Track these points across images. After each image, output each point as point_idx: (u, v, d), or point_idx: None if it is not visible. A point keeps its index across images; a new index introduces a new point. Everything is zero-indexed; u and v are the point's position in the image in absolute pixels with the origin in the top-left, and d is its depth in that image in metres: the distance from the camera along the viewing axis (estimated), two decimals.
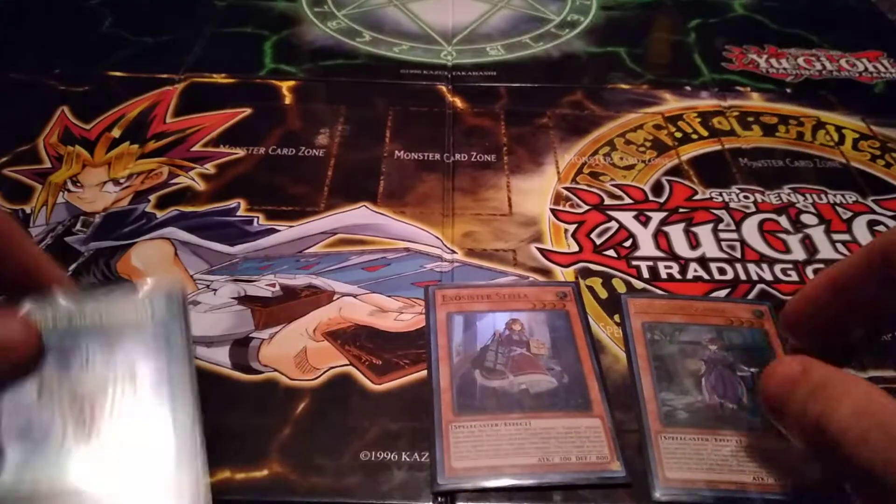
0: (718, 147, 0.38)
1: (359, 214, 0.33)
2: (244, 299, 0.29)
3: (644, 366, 0.26)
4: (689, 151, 0.38)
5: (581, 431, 0.24)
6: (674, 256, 0.31)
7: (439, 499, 0.22)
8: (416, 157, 0.37)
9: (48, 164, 0.36)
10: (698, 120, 0.40)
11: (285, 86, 0.42)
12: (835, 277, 0.20)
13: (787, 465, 0.23)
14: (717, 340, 0.27)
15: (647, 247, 0.32)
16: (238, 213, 0.33)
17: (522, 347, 0.26)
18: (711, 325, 0.27)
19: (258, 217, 0.33)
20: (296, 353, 0.27)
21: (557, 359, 0.26)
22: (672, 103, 0.42)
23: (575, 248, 0.32)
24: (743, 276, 0.30)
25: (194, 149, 0.37)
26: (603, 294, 0.29)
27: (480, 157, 0.37)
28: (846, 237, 0.33)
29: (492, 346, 0.26)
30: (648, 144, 0.38)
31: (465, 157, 0.37)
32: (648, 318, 0.28)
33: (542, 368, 0.26)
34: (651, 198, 0.35)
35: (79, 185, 0.35)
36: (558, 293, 0.28)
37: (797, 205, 0.34)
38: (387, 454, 0.23)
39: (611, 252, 0.31)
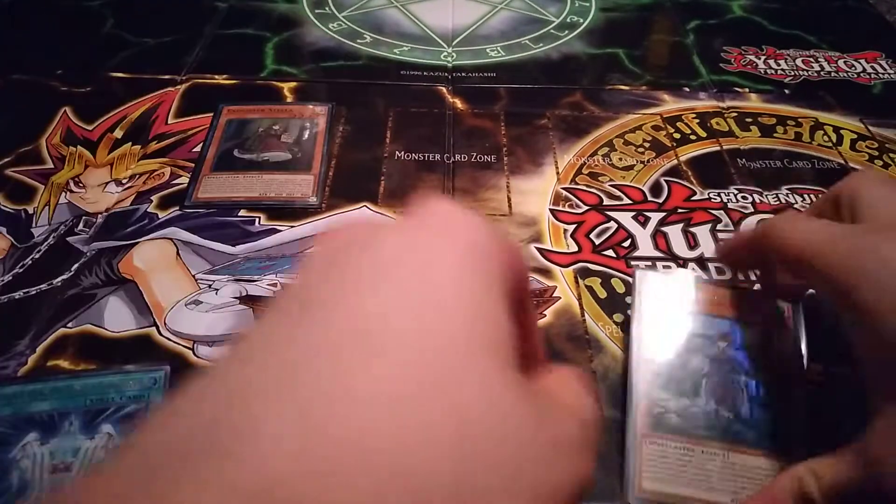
0: (717, 148, 0.38)
1: (360, 214, 0.33)
2: (246, 299, 0.29)
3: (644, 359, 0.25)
4: (687, 152, 0.38)
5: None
6: (672, 256, 0.31)
7: None
8: (416, 157, 0.37)
9: (50, 165, 0.36)
10: (697, 121, 0.40)
11: (286, 87, 0.42)
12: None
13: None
14: (729, 337, 0.25)
15: (645, 247, 0.32)
16: (240, 214, 0.33)
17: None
18: (726, 319, 0.25)
19: (260, 217, 0.33)
20: None
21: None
22: (671, 104, 0.42)
23: (574, 248, 0.32)
24: (741, 276, 0.30)
25: (196, 149, 0.37)
26: (602, 294, 0.30)
27: (480, 158, 0.37)
28: None
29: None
30: (647, 145, 0.38)
31: (465, 157, 0.37)
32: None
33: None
34: (650, 198, 0.35)
35: (81, 185, 0.35)
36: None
37: (795, 205, 0.35)
38: None
39: (610, 252, 0.32)
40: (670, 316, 0.25)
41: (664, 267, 0.31)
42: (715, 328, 0.25)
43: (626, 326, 0.25)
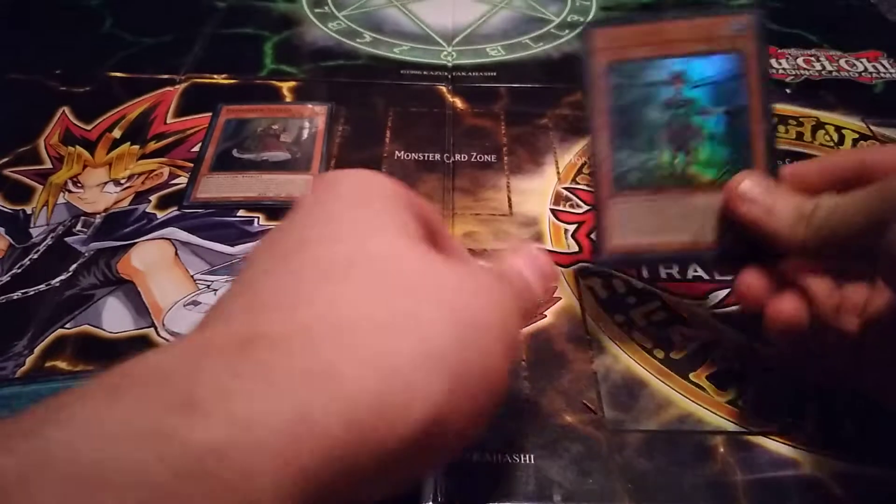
0: None
1: None
2: None
3: (602, 122, 0.24)
4: None
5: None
6: None
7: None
8: (416, 157, 0.37)
9: (49, 165, 0.36)
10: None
11: (286, 86, 0.42)
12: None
13: (721, 221, 0.23)
14: (685, 77, 0.24)
15: None
16: (238, 214, 0.33)
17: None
18: (682, 57, 0.24)
19: (259, 217, 0.33)
20: None
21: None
22: None
23: (575, 248, 0.32)
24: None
25: (195, 149, 0.37)
26: (603, 294, 0.29)
27: (480, 158, 0.37)
28: None
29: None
30: None
31: (465, 157, 0.37)
32: (614, 54, 0.24)
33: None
34: None
35: (79, 185, 0.35)
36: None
37: None
38: None
39: None
40: (622, 71, 0.24)
41: (665, 267, 0.31)
42: (667, 71, 0.24)
43: (583, 95, 0.25)
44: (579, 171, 0.36)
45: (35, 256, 0.31)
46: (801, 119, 0.41)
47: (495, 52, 0.47)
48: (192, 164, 0.36)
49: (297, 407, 0.12)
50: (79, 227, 0.32)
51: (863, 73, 0.45)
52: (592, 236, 0.24)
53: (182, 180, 0.35)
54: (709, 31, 0.24)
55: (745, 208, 0.22)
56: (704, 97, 0.24)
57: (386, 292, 0.14)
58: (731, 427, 0.25)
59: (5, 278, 0.30)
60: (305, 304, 0.14)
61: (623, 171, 0.24)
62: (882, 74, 0.45)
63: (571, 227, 0.33)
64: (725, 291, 0.29)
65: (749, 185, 0.22)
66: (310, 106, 0.40)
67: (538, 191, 0.35)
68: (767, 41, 0.24)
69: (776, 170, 0.23)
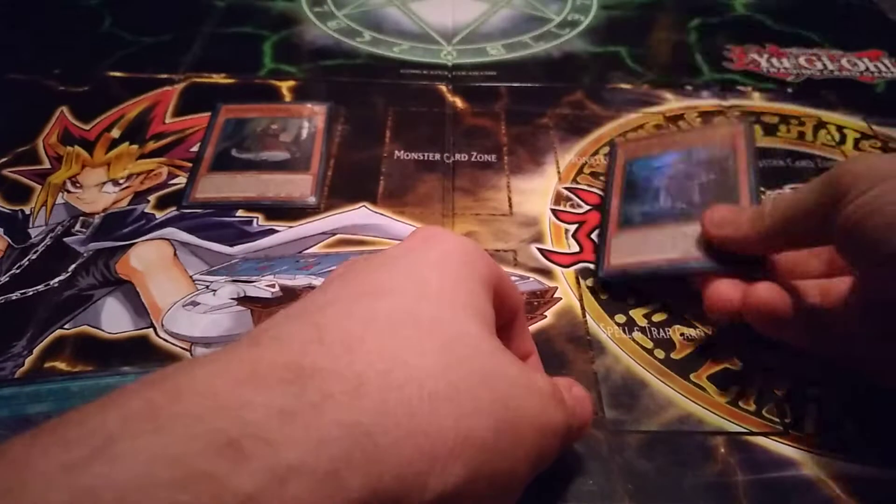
0: None
1: (358, 215, 0.33)
2: (244, 300, 0.29)
3: (616, 192, 0.32)
4: None
5: None
6: None
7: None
8: (416, 157, 0.37)
9: (47, 165, 0.36)
10: (699, 120, 0.40)
11: (285, 86, 0.42)
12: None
13: (704, 242, 0.27)
14: (686, 158, 0.31)
15: None
16: (237, 214, 0.33)
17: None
18: (685, 151, 0.31)
19: (257, 217, 0.33)
20: None
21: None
22: (673, 103, 0.42)
23: (576, 248, 0.32)
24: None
25: (194, 149, 0.37)
26: (604, 295, 0.29)
27: (481, 157, 0.37)
28: None
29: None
30: None
31: (465, 157, 0.37)
32: (632, 155, 0.33)
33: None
34: None
35: (78, 185, 0.35)
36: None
37: None
38: None
39: None
40: (637, 163, 0.32)
41: None
42: (672, 158, 0.31)
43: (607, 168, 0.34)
44: (580, 171, 0.36)
45: (34, 257, 0.31)
46: (802, 119, 0.41)
47: (495, 52, 0.46)
48: (190, 164, 0.36)
49: (330, 464, 0.13)
50: (77, 227, 0.32)
51: (864, 73, 0.45)
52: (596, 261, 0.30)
53: (181, 180, 0.35)
54: (707, 136, 0.32)
55: (718, 231, 0.26)
56: (700, 168, 0.30)
57: (443, 367, 0.15)
58: (731, 427, 0.24)
59: (4, 279, 0.30)
60: (366, 352, 0.15)
61: (629, 215, 0.30)
62: (884, 74, 0.45)
63: (572, 227, 0.33)
64: None
65: (720, 213, 0.26)
66: (309, 105, 0.40)
67: (538, 190, 0.35)
68: (754, 143, 0.30)
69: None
